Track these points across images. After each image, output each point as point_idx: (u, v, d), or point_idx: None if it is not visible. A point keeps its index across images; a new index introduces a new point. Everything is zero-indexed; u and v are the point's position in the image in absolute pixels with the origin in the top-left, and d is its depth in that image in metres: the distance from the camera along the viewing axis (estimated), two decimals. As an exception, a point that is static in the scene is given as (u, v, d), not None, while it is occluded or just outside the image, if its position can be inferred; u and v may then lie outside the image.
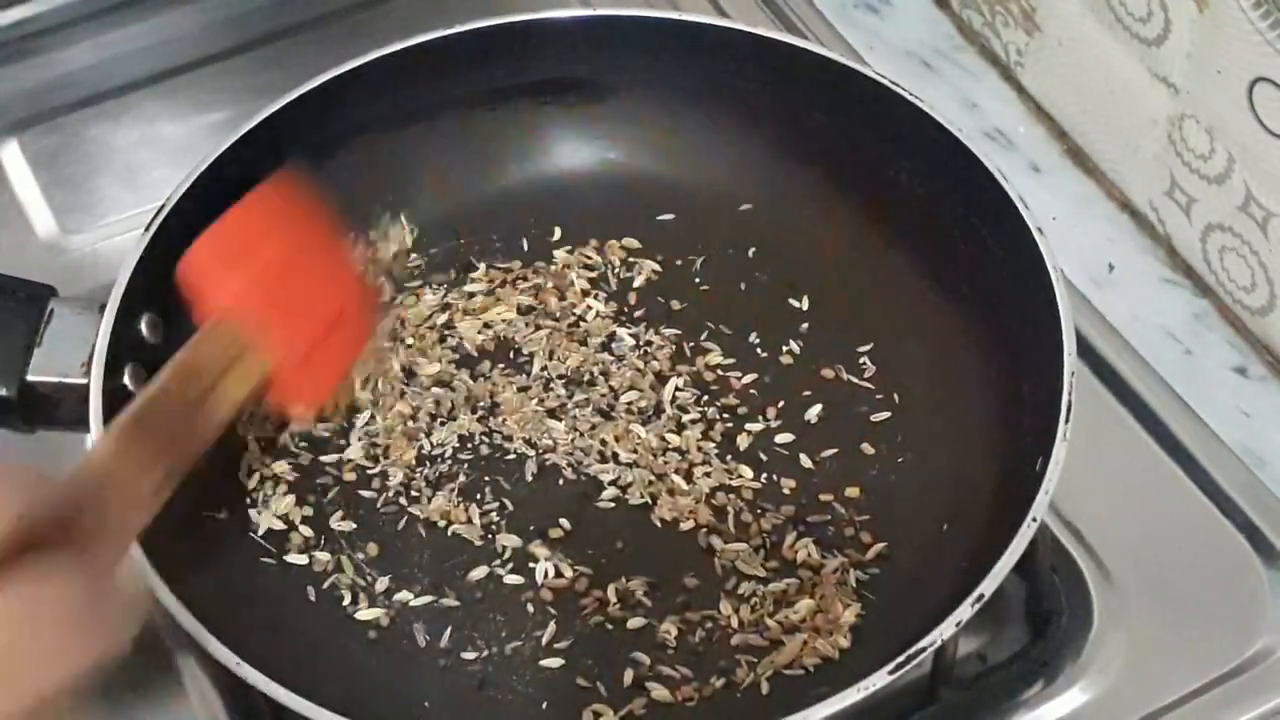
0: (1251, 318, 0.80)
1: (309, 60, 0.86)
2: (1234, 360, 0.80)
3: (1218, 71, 0.76)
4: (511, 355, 0.76)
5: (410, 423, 0.74)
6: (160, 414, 0.57)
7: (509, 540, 0.70)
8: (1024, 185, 0.84)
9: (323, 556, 0.70)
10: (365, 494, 0.72)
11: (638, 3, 0.91)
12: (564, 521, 0.71)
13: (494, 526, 0.71)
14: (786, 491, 0.71)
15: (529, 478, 0.72)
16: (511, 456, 0.73)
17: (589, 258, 0.79)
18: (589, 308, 0.77)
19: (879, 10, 0.94)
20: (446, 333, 0.77)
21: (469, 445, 0.73)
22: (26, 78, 0.91)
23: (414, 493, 0.72)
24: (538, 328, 0.77)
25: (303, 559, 0.70)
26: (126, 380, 0.68)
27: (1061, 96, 0.88)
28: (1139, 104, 0.82)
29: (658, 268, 0.79)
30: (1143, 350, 0.79)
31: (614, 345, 0.76)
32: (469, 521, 0.71)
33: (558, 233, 0.80)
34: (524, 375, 0.75)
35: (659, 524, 0.71)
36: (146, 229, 0.71)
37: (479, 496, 0.71)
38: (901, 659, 0.58)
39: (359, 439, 0.73)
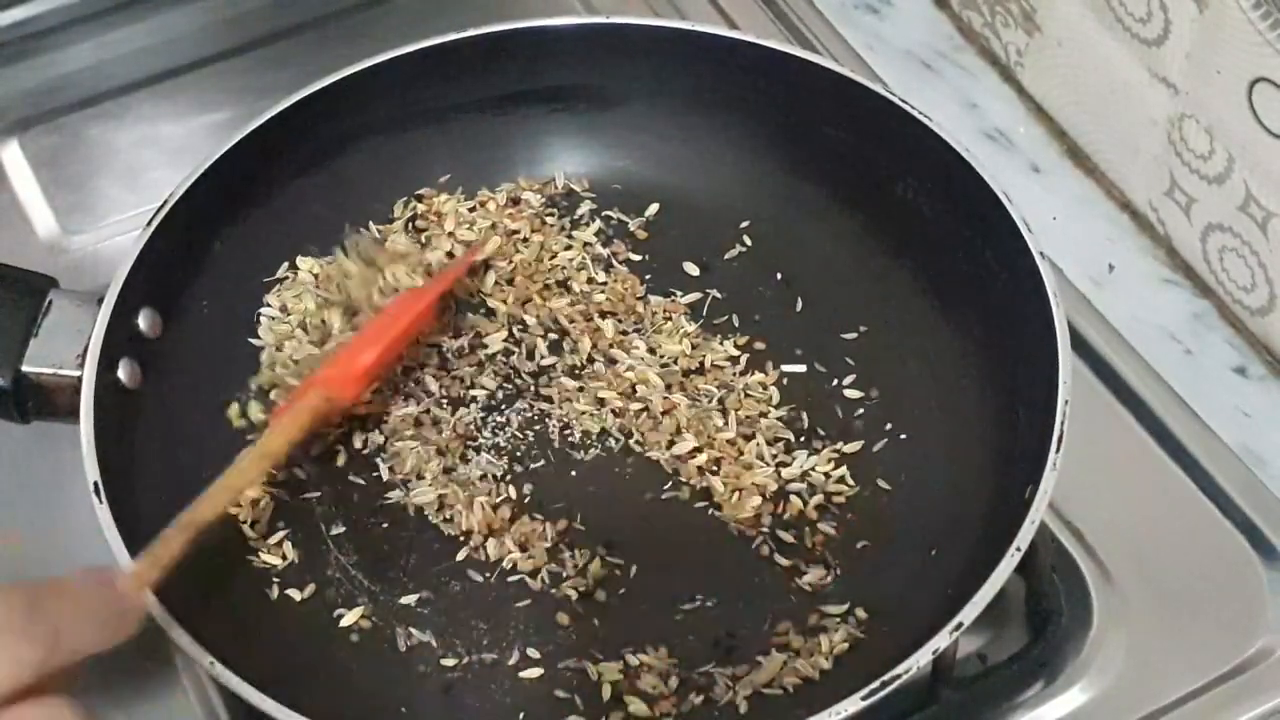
0: (1251, 318, 0.80)
1: (310, 61, 0.86)
2: (1234, 360, 0.80)
3: (1217, 72, 0.76)
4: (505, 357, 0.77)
5: (414, 426, 0.74)
6: None
7: (494, 548, 0.70)
8: (1024, 185, 0.86)
9: (309, 558, 0.70)
10: (354, 495, 0.72)
11: (645, 12, 0.92)
12: (551, 532, 0.70)
13: (481, 533, 0.71)
14: (777, 510, 0.71)
15: (516, 490, 0.72)
16: (499, 466, 0.73)
17: (594, 267, 0.79)
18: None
19: (879, 10, 0.94)
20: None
21: (461, 451, 0.73)
22: (27, 78, 0.92)
23: (405, 491, 0.72)
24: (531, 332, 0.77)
25: (288, 560, 0.70)
26: (121, 375, 0.68)
27: (1061, 96, 0.88)
28: (1139, 104, 0.82)
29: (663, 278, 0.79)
30: (1143, 350, 0.79)
31: (619, 355, 0.76)
32: (454, 523, 0.71)
33: (565, 239, 0.80)
34: (522, 378, 0.76)
35: (648, 540, 0.71)
36: (149, 224, 0.71)
37: (469, 501, 0.72)
38: (875, 685, 0.58)
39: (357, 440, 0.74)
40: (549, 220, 0.81)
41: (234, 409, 0.74)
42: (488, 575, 0.70)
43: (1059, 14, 0.85)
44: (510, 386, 0.75)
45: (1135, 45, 0.81)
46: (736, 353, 0.76)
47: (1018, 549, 0.61)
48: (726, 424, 0.73)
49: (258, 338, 0.76)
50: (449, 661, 0.67)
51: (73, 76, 0.91)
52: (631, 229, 0.81)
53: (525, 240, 0.80)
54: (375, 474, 0.73)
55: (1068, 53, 0.86)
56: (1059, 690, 0.69)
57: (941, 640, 0.59)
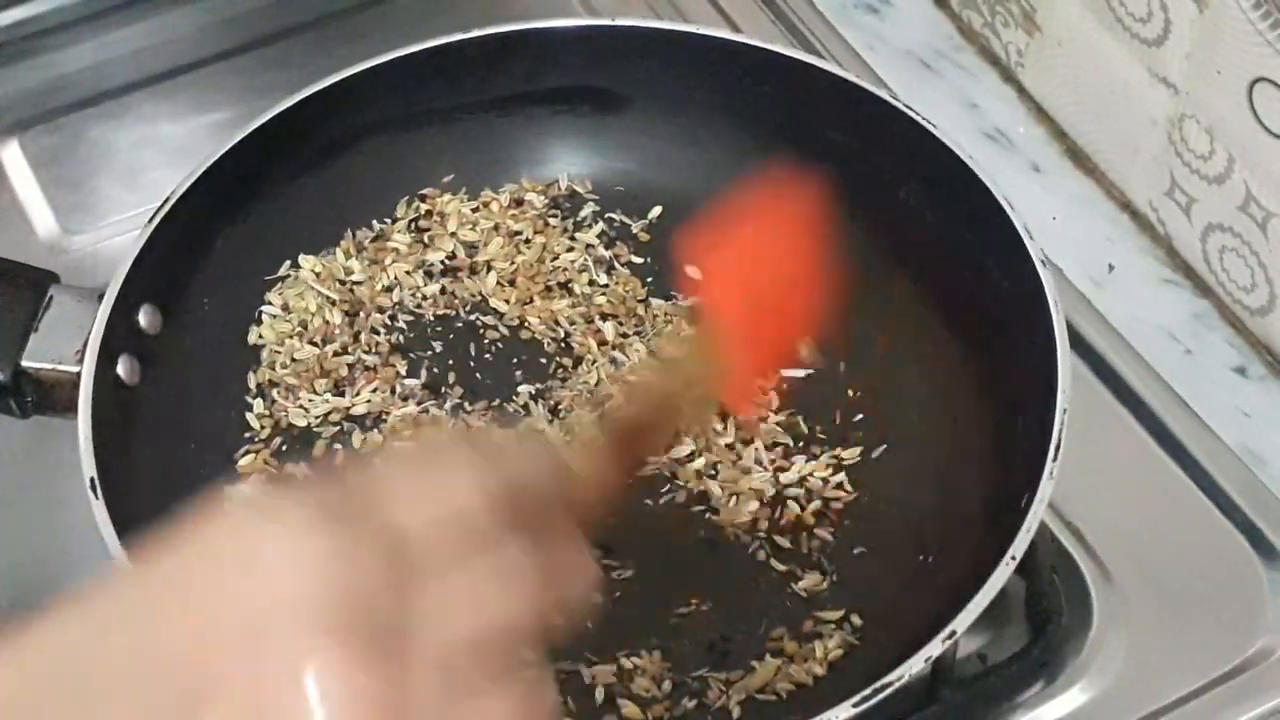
0: (1251, 318, 0.80)
1: (310, 61, 0.86)
2: (1234, 360, 0.80)
3: (1218, 72, 0.76)
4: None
5: (414, 426, 0.74)
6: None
7: None
8: (1024, 185, 0.85)
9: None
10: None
11: (646, 14, 0.92)
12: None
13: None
14: (774, 515, 0.71)
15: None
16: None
17: (596, 269, 0.79)
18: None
19: (879, 10, 0.94)
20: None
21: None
22: (27, 78, 0.92)
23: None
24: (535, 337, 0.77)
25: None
26: (120, 371, 0.68)
27: (1062, 96, 0.88)
28: (1139, 104, 0.82)
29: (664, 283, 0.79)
30: (1142, 350, 0.79)
31: (620, 357, 0.76)
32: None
33: (567, 241, 0.80)
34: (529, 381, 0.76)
35: (644, 544, 0.70)
36: (151, 220, 0.71)
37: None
38: (868, 692, 0.58)
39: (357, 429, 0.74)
40: (551, 222, 0.80)
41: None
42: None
43: (1059, 14, 0.85)
44: (510, 388, 0.75)
45: (1135, 45, 0.81)
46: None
47: (1013, 558, 0.61)
48: (725, 428, 0.73)
49: (259, 336, 0.76)
50: (444, 661, 0.67)
51: (73, 76, 0.92)
52: (634, 231, 0.80)
53: (528, 241, 0.80)
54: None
55: (1068, 53, 0.86)
56: (1059, 690, 0.69)
57: (934, 648, 0.59)
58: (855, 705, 0.58)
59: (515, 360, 0.76)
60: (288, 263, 0.78)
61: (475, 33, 0.78)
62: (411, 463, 0.44)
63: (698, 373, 0.59)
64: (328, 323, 0.76)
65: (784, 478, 0.72)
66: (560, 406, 0.74)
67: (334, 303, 0.77)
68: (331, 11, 0.94)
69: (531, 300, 0.78)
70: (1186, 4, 0.76)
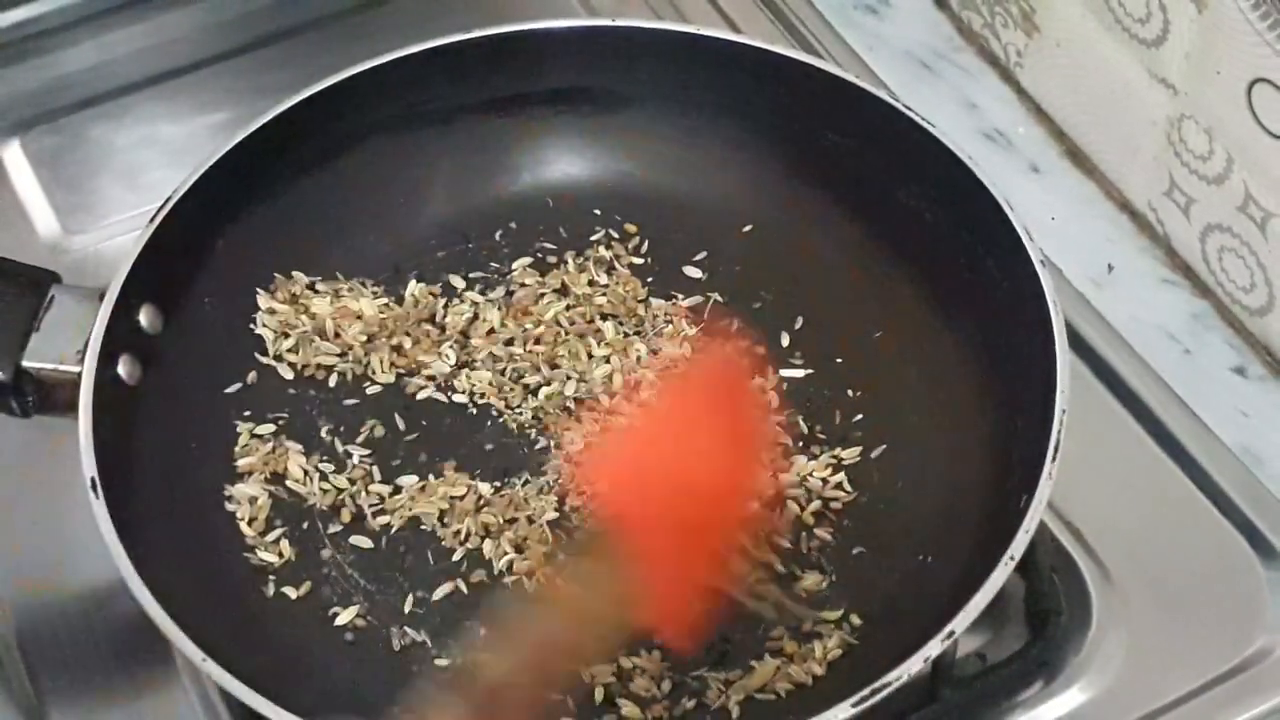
0: (1250, 318, 0.80)
1: (310, 62, 0.86)
2: (1233, 360, 0.80)
3: (1217, 72, 0.76)
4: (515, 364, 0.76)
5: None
6: None
7: (491, 549, 0.70)
8: (1023, 186, 0.85)
9: (305, 556, 0.70)
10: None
11: (646, 14, 0.92)
12: (548, 534, 0.70)
13: (479, 534, 0.71)
14: (774, 515, 0.71)
15: (513, 489, 0.72)
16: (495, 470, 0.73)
17: (596, 270, 0.79)
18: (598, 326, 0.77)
19: (879, 11, 0.94)
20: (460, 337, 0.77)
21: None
22: (28, 78, 0.92)
23: (404, 494, 0.72)
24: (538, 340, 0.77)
25: (284, 558, 0.70)
26: (121, 371, 0.68)
27: (1061, 97, 0.88)
28: (1138, 105, 0.82)
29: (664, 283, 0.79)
30: (1142, 350, 0.79)
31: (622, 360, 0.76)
32: (448, 526, 0.71)
33: (567, 241, 0.80)
34: (526, 385, 0.76)
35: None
36: (152, 220, 0.71)
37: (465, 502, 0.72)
38: (866, 692, 0.58)
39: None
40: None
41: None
42: (483, 576, 0.70)
43: (1058, 14, 0.85)
44: (511, 387, 0.75)
45: (1134, 46, 0.81)
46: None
47: (1011, 558, 0.61)
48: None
49: (258, 337, 0.76)
50: (442, 662, 0.67)
51: (73, 77, 0.92)
52: (633, 232, 0.81)
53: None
54: (373, 472, 0.73)
55: (1067, 53, 0.86)
56: (1058, 689, 0.69)
57: (933, 648, 0.59)
58: (854, 705, 0.58)
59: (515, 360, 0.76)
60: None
61: (475, 33, 0.78)
62: None
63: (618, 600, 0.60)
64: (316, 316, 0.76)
65: (784, 478, 0.72)
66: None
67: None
68: (331, 12, 0.94)
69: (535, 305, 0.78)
70: (1186, 4, 0.76)
